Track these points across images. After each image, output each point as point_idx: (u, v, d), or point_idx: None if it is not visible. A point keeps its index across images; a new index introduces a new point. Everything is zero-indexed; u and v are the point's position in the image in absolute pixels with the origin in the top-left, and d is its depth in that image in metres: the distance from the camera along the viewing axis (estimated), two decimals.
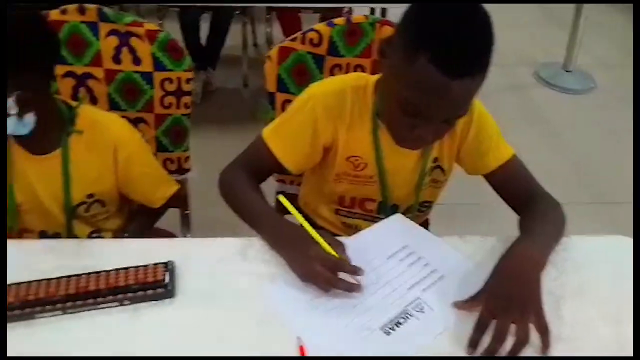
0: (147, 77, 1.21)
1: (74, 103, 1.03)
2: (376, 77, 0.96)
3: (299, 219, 0.85)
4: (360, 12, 2.58)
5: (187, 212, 1.39)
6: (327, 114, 0.95)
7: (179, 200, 1.26)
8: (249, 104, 2.74)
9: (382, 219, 1.07)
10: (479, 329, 0.75)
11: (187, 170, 1.34)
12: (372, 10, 2.51)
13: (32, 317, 0.77)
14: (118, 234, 1.13)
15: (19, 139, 0.96)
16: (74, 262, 0.86)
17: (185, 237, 1.35)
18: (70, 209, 1.02)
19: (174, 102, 1.25)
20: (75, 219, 1.05)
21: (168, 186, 1.13)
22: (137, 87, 1.22)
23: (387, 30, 1.13)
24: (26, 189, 0.99)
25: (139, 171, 1.07)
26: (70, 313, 0.78)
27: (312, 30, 1.13)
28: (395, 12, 1.70)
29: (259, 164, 1.03)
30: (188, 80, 1.24)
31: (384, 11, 2.28)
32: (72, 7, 1.15)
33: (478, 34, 0.76)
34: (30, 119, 0.90)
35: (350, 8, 2.63)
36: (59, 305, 0.78)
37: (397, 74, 0.80)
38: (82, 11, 1.15)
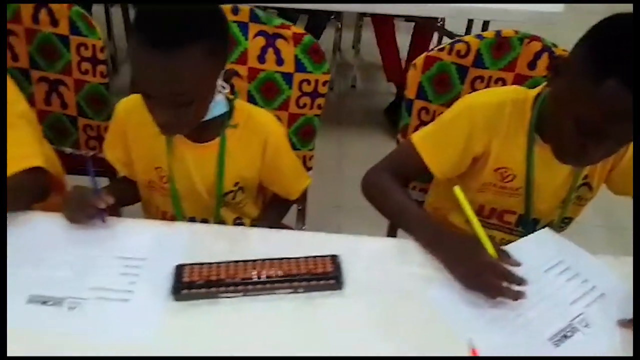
0: (288, 77, 1.26)
1: (230, 96, 1.09)
2: (535, 91, 0.98)
3: (474, 222, 0.87)
4: (454, 22, 2.61)
5: (299, 207, 1.44)
6: (485, 124, 0.97)
7: (302, 195, 1.31)
8: (335, 107, 2.79)
9: (519, 231, 1.08)
10: None
11: (310, 168, 1.39)
12: (470, 23, 2.52)
13: (216, 297, 0.83)
14: (256, 221, 1.18)
15: None
16: (241, 248, 0.92)
17: (299, 230, 1.40)
18: (220, 196, 1.08)
19: (309, 102, 1.30)
20: (223, 206, 1.11)
21: (305, 179, 1.18)
22: (276, 87, 1.27)
23: (536, 46, 1.14)
24: (184, 175, 1.06)
25: (284, 163, 1.12)
26: (250, 295, 0.83)
27: (460, 41, 1.15)
28: (497, 25, 1.71)
29: (405, 168, 1.06)
30: (325, 83, 1.28)
31: (485, 24, 2.27)
32: (226, 7, 1.21)
33: None
34: (222, 99, 0.96)
35: (443, 18, 2.65)
36: (240, 287, 0.83)
37: (578, 93, 0.81)
38: (235, 12, 1.21)
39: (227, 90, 0.95)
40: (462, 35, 2.65)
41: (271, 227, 1.08)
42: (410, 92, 1.21)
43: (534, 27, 1.57)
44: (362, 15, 2.77)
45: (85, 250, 0.89)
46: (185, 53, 0.82)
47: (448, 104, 1.21)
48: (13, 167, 0.98)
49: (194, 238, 0.93)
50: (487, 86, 1.18)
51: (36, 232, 0.92)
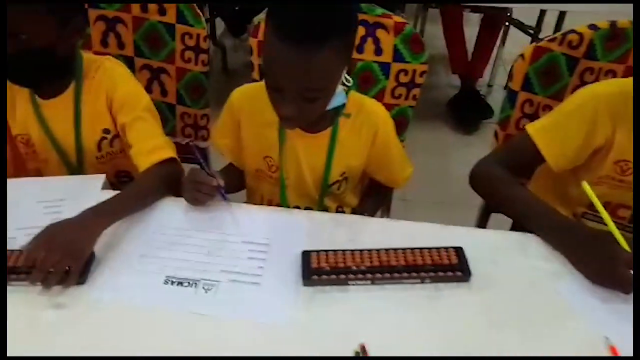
0: (385, 67, 1.26)
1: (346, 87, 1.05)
2: None
3: (606, 216, 0.85)
4: (520, 13, 2.54)
5: None
6: (609, 115, 0.94)
7: None
8: None
9: (631, 228, 1.05)
10: None
11: None
12: (542, 14, 2.45)
13: (346, 284, 0.83)
14: (356, 209, 1.19)
15: None
16: (361, 236, 0.93)
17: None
18: (327, 186, 1.09)
19: (404, 93, 1.30)
20: (326, 196, 1.12)
21: (409, 166, 1.17)
22: (373, 77, 1.27)
23: None
24: (293, 165, 1.07)
25: (392, 152, 1.11)
26: (378, 284, 0.84)
27: (572, 32, 1.12)
28: (573, 17, 1.64)
29: (518, 161, 1.04)
30: (422, 73, 1.28)
31: (562, 14, 2.21)
32: None
33: None
34: (341, 90, 0.96)
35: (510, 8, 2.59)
36: (368, 276, 0.83)
37: None
38: None
39: (351, 83, 0.95)
40: (532, 27, 2.60)
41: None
42: (516, 84, 1.19)
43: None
44: (428, 6, 2.74)
45: (211, 235, 0.92)
46: (326, 49, 0.81)
47: (554, 97, 1.19)
48: (147, 160, 1.01)
49: (313, 225, 0.95)
50: (597, 79, 1.15)
51: (165, 216, 0.95)
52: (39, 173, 1.16)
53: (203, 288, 0.83)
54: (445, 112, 2.63)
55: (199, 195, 0.96)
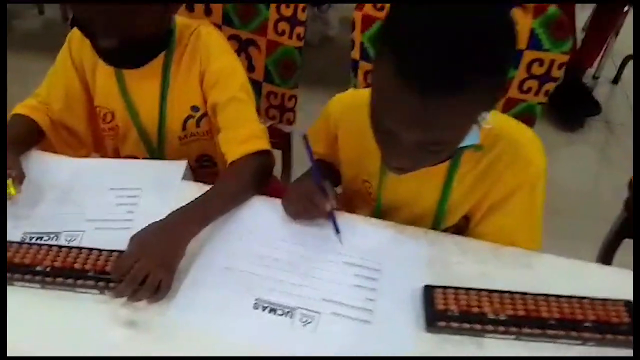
0: (516, 54, 1.04)
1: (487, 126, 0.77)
2: None
3: None
4: None
5: None
6: None
7: None
8: None
9: None
10: None
11: None
12: None
13: (481, 335, 0.65)
14: None
15: None
16: (495, 271, 0.74)
17: None
18: (441, 229, 0.86)
19: (535, 87, 1.08)
20: None
21: (535, 245, 0.81)
22: None
23: None
24: (397, 200, 0.87)
25: (519, 208, 0.80)
26: (523, 340, 0.65)
27: None
28: None
29: None
30: (561, 66, 1.05)
31: None
32: None
33: None
34: (476, 129, 0.73)
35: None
36: (512, 328, 0.65)
37: None
38: None
39: (490, 125, 0.73)
40: None
41: None
42: None
43: None
44: None
45: (309, 251, 0.76)
46: (464, 96, 0.59)
47: None
48: (239, 150, 0.85)
49: (435, 250, 0.76)
50: None
51: (253, 221, 0.80)
52: (116, 152, 1.04)
53: (300, 320, 0.67)
54: (545, 104, 2.34)
55: (306, 215, 0.80)
